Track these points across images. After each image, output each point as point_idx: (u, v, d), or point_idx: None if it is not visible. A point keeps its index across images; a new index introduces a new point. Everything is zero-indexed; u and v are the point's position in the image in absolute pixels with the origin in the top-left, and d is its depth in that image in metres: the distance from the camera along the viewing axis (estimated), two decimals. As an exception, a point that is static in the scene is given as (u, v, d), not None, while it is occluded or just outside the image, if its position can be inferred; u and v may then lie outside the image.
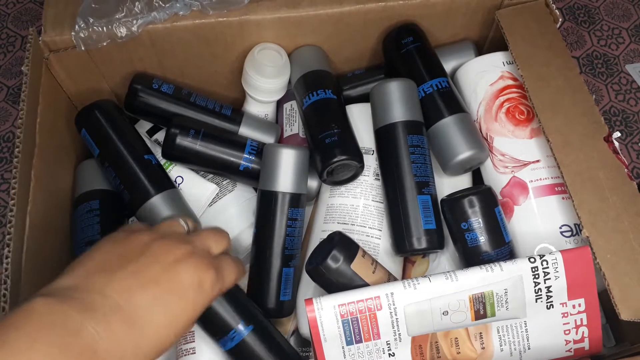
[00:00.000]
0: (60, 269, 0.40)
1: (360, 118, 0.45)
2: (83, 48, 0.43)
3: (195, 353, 0.38)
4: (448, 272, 0.34)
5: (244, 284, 0.42)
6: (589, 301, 0.34)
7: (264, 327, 0.38)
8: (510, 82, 0.44)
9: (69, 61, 0.44)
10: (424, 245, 0.39)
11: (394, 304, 0.33)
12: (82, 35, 0.42)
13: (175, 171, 0.47)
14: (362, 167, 0.42)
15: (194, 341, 0.39)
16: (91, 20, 0.42)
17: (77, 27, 0.42)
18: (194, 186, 0.46)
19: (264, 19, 0.44)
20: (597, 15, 0.67)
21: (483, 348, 0.35)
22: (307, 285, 0.42)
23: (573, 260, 0.33)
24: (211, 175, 0.47)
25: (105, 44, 0.43)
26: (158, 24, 0.43)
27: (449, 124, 0.42)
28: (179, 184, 0.46)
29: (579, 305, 0.34)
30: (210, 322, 0.36)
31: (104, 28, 0.42)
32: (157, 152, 0.46)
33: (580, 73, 0.41)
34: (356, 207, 0.42)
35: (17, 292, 0.33)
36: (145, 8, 0.42)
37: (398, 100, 0.41)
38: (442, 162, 0.42)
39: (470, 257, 0.37)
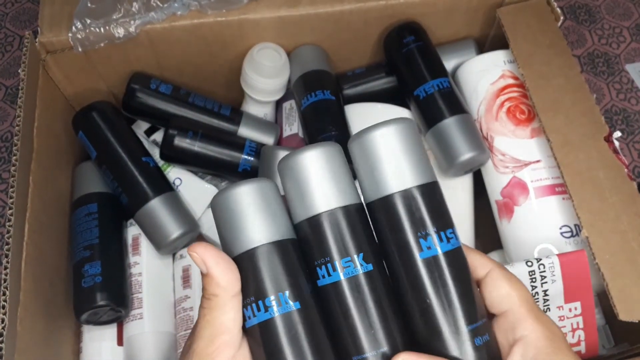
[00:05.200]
0: (59, 274, 0.40)
1: (359, 118, 0.45)
2: (80, 49, 0.42)
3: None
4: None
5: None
6: (585, 304, 0.34)
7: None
8: (511, 81, 0.43)
9: (66, 62, 0.44)
10: None
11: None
12: (79, 37, 0.42)
13: (174, 173, 0.46)
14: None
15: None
16: (88, 21, 0.42)
17: (74, 28, 0.42)
18: (193, 188, 0.46)
19: (263, 19, 0.44)
20: (597, 14, 0.67)
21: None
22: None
23: (570, 263, 0.33)
24: (210, 177, 0.47)
25: (102, 44, 0.43)
26: (156, 24, 0.43)
27: (450, 125, 0.41)
28: (177, 186, 0.46)
29: (575, 308, 0.34)
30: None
31: (102, 29, 0.42)
32: (155, 152, 0.46)
33: (581, 72, 0.41)
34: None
35: (17, 300, 0.33)
36: (142, 8, 0.42)
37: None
38: (443, 163, 0.42)
39: None
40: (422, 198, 0.24)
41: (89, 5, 0.42)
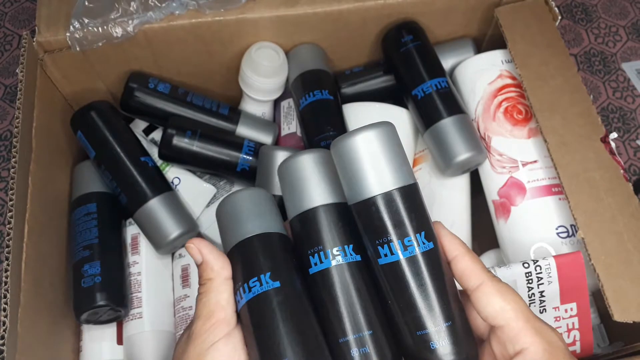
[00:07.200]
0: (59, 274, 0.40)
1: (357, 117, 0.45)
2: (78, 49, 0.42)
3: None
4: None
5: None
6: (580, 305, 0.35)
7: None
8: (509, 80, 0.44)
9: (64, 61, 0.44)
10: None
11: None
12: (77, 36, 0.42)
13: (172, 172, 0.47)
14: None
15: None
16: (86, 20, 0.42)
17: (71, 27, 0.42)
18: (192, 187, 0.46)
19: (261, 18, 0.44)
20: (594, 13, 0.67)
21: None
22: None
23: (566, 265, 0.34)
24: (208, 176, 0.48)
25: (100, 44, 0.42)
26: (154, 24, 0.43)
27: (447, 125, 0.41)
28: (175, 185, 0.46)
29: (571, 309, 0.35)
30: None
31: (99, 28, 0.42)
32: (154, 150, 0.46)
33: (577, 71, 0.41)
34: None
35: (17, 301, 0.33)
36: (140, 8, 0.42)
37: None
38: (440, 163, 0.42)
39: None
40: (389, 206, 0.25)
41: (87, 4, 0.42)
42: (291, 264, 0.27)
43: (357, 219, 0.26)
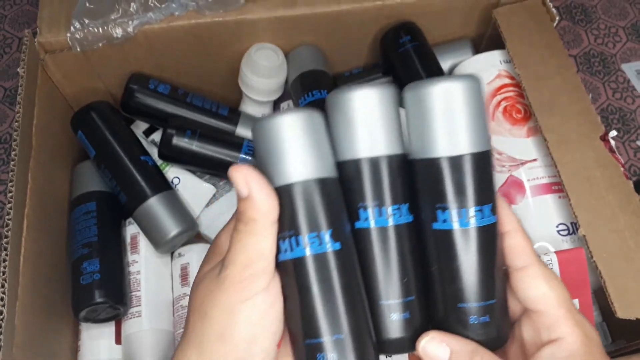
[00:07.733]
0: (57, 271, 0.40)
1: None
2: (79, 49, 0.43)
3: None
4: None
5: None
6: (583, 302, 0.34)
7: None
8: (507, 80, 0.44)
9: (64, 62, 0.44)
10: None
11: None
12: (78, 37, 0.42)
13: (172, 172, 0.47)
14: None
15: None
16: (86, 21, 0.42)
17: (72, 28, 0.42)
18: (191, 187, 0.46)
19: (260, 19, 0.44)
20: (593, 14, 0.67)
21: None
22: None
23: (568, 261, 0.34)
24: (208, 176, 0.48)
25: (101, 45, 0.43)
26: (154, 25, 0.43)
27: (446, 124, 0.41)
28: (175, 185, 0.46)
29: (574, 305, 0.34)
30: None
31: (100, 29, 0.42)
32: (154, 152, 0.46)
33: (577, 72, 0.41)
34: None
35: (15, 295, 0.33)
36: (140, 8, 0.42)
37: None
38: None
39: None
40: (458, 170, 0.23)
41: (88, 5, 0.42)
42: (347, 220, 0.24)
43: (418, 176, 0.24)
